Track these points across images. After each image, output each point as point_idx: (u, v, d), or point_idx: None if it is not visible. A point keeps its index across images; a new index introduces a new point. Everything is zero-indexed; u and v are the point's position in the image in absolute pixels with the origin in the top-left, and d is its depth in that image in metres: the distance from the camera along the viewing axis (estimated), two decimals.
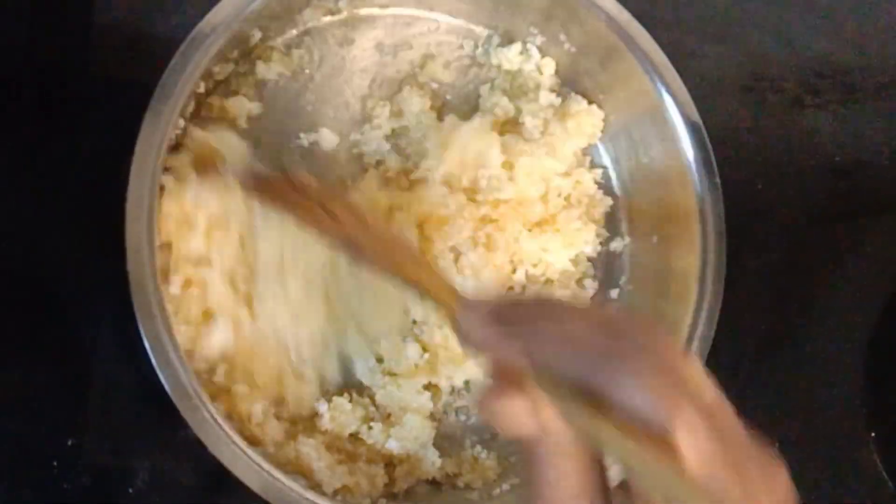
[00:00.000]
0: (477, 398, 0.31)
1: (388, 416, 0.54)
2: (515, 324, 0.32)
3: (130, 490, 0.50)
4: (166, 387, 0.45)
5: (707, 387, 0.29)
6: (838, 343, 0.63)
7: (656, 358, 0.28)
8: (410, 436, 0.53)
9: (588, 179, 0.60)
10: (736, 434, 0.29)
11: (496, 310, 0.34)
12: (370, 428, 0.53)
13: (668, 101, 0.56)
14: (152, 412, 0.50)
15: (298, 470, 0.51)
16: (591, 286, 0.60)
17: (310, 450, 0.51)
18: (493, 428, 0.55)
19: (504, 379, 0.31)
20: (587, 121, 0.59)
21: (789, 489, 0.29)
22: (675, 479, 0.27)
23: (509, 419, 0.30)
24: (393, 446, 0.53)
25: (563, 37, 0.58)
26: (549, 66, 0.60)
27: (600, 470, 0.30)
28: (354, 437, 0.54)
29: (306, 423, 0.53)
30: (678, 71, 0.56)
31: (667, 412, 0.27)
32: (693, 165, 0.56)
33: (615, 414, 0.28)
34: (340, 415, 0.53)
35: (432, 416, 0.55)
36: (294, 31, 0.56)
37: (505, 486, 0.54)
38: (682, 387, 0.28)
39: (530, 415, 0.30)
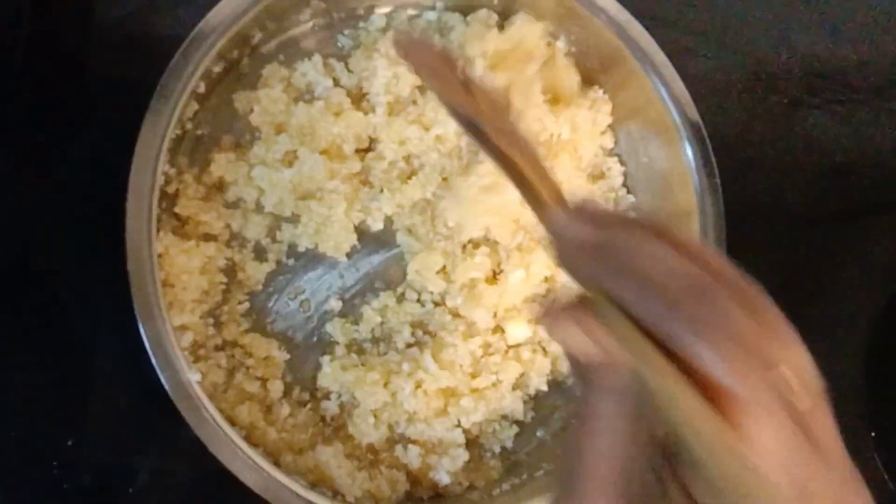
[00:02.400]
0: (541, 309, 0.29)
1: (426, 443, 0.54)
2: (608, 247, 0.28)
3: (130, 490, 0.50)
4: (166, 387, 0.45)
5: (805, 391, 0.25)
6: (838, 343, 0.63)
7: (744, 339, 0.24)
8: (455, 469, 0.53)
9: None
10: (830, 448, 0.25)
11: (592, 218, 0.30)
12: (406, 449, 0.53)
13: (668, 101, 0.56)
14: (152, 412, 0.50)
15: (320, 479, 0.51)
16: None
17: (329, 458, 0.51)
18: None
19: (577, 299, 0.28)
20: (604, 108, 0.59)
21: None
22: (737, 460, 0.23)
23: (572, 334, 0.27)
24: (442, 478, 0.53)
25: (562, 37, 0.58)
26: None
27: (647, 442, 0.26)
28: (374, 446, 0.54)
29: (328, 431, 0.53)
30: (678, 71, 0.56)
31: (742, 387, 0.23)
32: (693, 165, 0.56)
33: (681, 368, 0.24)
34: (361, 423, 0.52)
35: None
36: (294, 32, 0.56)
37: (505, 486, 0.54)
38: (769, 381, 0.24)
39: (594, 337, 0.27)
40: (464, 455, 0.53)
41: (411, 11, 0.58)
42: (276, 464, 0.50)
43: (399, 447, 0.53)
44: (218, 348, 0.53)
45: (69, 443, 0.50)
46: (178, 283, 0.50)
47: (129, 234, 0.46)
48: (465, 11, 0.59)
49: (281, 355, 0.54)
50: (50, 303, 0.51)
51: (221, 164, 0.53)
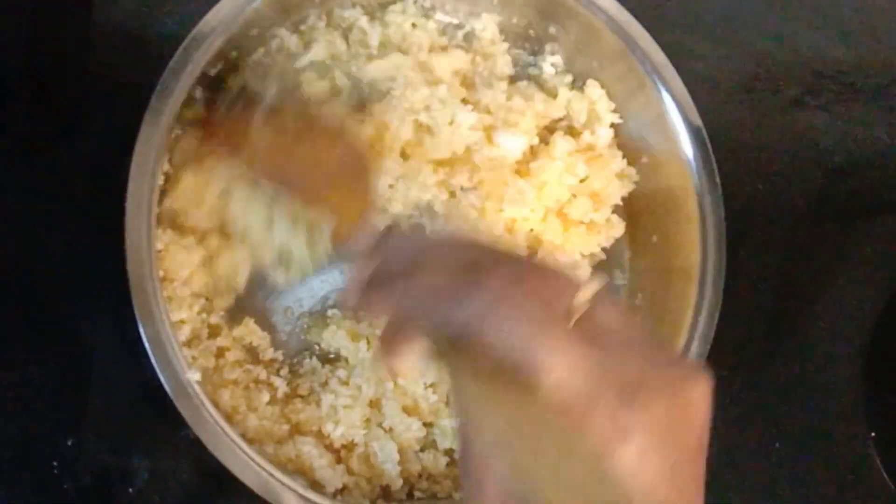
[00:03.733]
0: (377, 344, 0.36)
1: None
2: (392, 282, 0.35)
3: (130, 490, 0.50)
4: (166, 387, 0.45)
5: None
6: (838, 343, 0.63)
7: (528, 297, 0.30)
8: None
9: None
10: (632, 355, 0.29)
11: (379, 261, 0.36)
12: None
13: (668, 101, 0.56)
14: (152, 412, 0.50)
15: (299, 469, 0.51)
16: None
17: (310, 448, 0.51)
18: None
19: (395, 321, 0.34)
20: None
21: (700, 411, 0.28)
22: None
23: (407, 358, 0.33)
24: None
25: (563, 36, 0.58)
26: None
27: None
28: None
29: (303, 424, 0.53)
30: (678, 71, 0.56)
31: (531, 355, 0.28)
32: (693, 165, 0.56)
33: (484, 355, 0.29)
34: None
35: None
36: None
37: None
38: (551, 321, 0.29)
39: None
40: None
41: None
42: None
43: (375, 444, 0.53)
44: (210, 336, 0.53)
45: (69, 443, 0.50)
46: (177, 279, 0.50)
47: (128, 235, 0.46)
48: None
49: (265, 344, 0.54)
50: (50, 303, 0.51)
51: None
